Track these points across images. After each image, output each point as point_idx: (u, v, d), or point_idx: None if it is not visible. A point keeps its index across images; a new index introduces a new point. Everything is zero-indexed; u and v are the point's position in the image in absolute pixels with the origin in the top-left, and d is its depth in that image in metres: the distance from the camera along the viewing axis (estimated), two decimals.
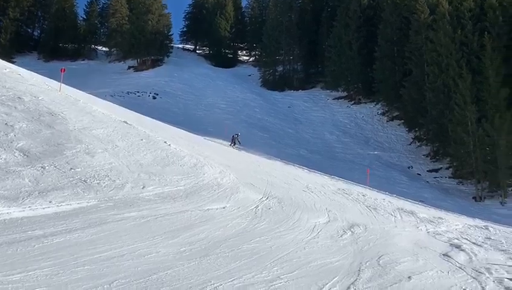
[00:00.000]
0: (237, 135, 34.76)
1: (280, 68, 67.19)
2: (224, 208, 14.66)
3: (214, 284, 8.25)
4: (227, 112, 52.56)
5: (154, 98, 55.46)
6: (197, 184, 16.80)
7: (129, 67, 67.62)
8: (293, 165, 31.56)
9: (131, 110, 32.48)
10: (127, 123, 20.87)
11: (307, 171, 30.36)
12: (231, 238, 11.62)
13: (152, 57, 68.36)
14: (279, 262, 10.30)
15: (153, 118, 33.37)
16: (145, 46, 66.46)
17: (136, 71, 66.28)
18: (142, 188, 13.57)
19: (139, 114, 31.43)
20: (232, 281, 8.55)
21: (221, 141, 36.27)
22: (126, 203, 12.03)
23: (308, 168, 31.60)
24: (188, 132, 34.78)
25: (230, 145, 33.05)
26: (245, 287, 8.30)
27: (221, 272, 9.02)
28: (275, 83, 65.36)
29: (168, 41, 71.80)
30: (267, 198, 17.40)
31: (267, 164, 29.75)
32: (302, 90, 63.33)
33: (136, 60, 68.18)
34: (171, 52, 70.90)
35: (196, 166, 19.32)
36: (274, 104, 58.31)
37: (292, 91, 63.18)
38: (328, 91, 60.08)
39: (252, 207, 15.53)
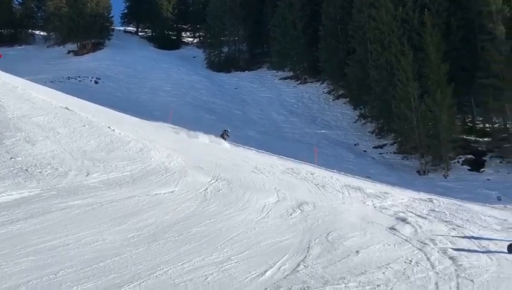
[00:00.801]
0: (226, 131, 32.22)
1: (225, 49, 66.59)
2: (172, 192, 14.49)
3: (163, 269, 8.14)
4: (172, 95, 51.85)
5: (96, 82, 54.00)
6: (143, 169, 16.52)
7: (69, 52, 65.41)
8: (242, 147, 31.54)
9: (73, 95, 31.51)
10: (69, 109, 20.24)
11: (255, 152, 30.42)
12: (180, 222, 11.49)
13: (92, 41, 66.33)
14: (230, 243, 10.27)
15: (95, 103, 32.53)
16: (85, 30, 64.36)
17: (77, 55, 64.21)
18: (86, 175, 13.24)
19: (80, 99, 30.57)
20: (181, 264, 8.45)
21: (167, 124, 35.79)
22: (70, 191, 11.71)
23: (256, 149, 31.68)
24: (133, 116, 34.13)
25: (223, 138, 30.74)
26: (195, 270, 8.22)
27: (171, 257, 8.90)
28: (220, 64, 64.79)
29: (108, 24, 69.77)
30: (216, 180, 17.32)
31: (215, 146, 29.60)
32: (249, 71, 63.10)
33: (76, 44, 66.02)
34: (112, 35, 68.94)
35: (142, 151, 18.98)
36: (220, 86, 57.97)
37: (238, 72, 62.86)
38: (274, 71, 60.12)
39: (201, 190, 15.42)
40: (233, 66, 64.21)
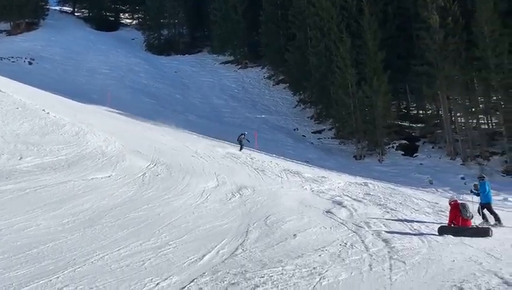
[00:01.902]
0: (244, 135, 28.37)
1: (165, 32, 65.36)
2: (109, 176, 14.26)
3: (99, 254, 8.01)
4: (110, 78, 50.55)
5: (30, 63, 51.79)
6: (79, 153, 16.15)
7: (1, 31, 62.41)
8: (182, 131, 31.29)
9: (6, 77, 30.23)
10: (1, 91, 19.46)
11: (195, 137, 30.27)
12: (117, 207, 11.33)
13: (27, 20, 63.47)
14: (168, 228, 10.22)
15: (29, 85, 31.36)
16: (18, 8, 61.48)
17: (10, 35, 61.30)
18: (20, 159, 12.81)
19: (14, 81, 29.39)
20: (118, 250, 8.34)
21: (105, 108, 34.99)
22: (2, 175, 11.32)
23: (197, 133, 31.51)
24: (69, 99, 33.15)
25: (241, 149, 26.83)
26: (132, 256, 8.13)
27: (107, 242, 8.77)
28: (160, 47, 63.59)
29: (43, 3, 66.96)
30: (155, 165, 17.16)
31: (155, 130, 29.24)
32: (189, 54, 62.30)
33: (9, 24, 62.99)
34: (47, 15, 66.16)
35: (78, 134, 18.54)
36: (160, 69, 57.03)
37: (178, 55, 61.91)
38: (215, 55, 59.66)
39: (139, 175, 15.24)
40: (173, 49, 63.21)
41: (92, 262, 7.60)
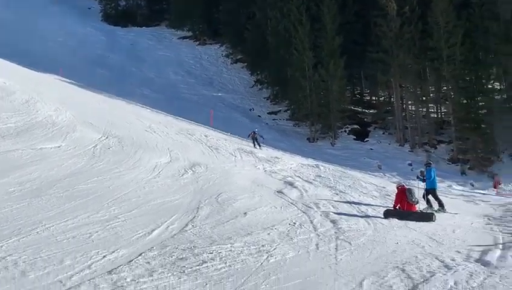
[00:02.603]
0: (255, 132, 26.24)
1: (123, 2, 64.01)
2: (59, 147, 13.96)
3: (45, 225, 7.86)
4: (64, 46, 49.18)
5: None
6: (29, 122, 15.75)
7: None
8: (136, 105, 30.86)
9: None
10: None
11: (150, 111, 29.92)
12: (66, 178, 11.12)
13: None
14: (118, 202, 10.11)
15: None
16: None
17: None
18: None
19: None
20: (65, 221, 8.21)
21: (58, 77, 34.07)
22: None
23: (151, 108, 31.13)
24: (21, 66, 32.09)
25: (255, 146, 24.94)
26: (79, 227, 8.02)
27: (54, 213, 8.62)
28: (117, 18, 62.20)
29: None
30: (107, 137, 16.89)
31: (109, 102, 28.72)
32: (146, 27, 61.24)
33: None
34: None
35: (28, 102, 18.06)
36: (116, 41, 55.84)
37: (135, 28, 60.79)
38: (173, 30, 58.89)
39: (90, 146, 14.97)
40: (130, 21, 61.91)
41: (37, 232, 7.46)
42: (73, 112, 18.97)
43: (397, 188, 13.69)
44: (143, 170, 13.74)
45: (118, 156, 14.65)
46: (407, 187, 13.63)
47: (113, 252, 7.13)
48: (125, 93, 32.49)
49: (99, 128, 17.83)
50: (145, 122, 23.48)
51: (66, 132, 15.70)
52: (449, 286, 6.97)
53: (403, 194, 13.12)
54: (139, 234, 8.23)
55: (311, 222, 10.77)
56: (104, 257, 6.89)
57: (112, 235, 7.97)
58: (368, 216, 12.20)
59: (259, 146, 25.17)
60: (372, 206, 13.78)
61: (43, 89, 22.72)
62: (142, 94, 37.92)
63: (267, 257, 7.88)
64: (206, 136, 23.77)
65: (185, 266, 6.95)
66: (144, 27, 61.22)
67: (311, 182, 16.83)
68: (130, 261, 6.88)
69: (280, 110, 40.88)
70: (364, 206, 13.55)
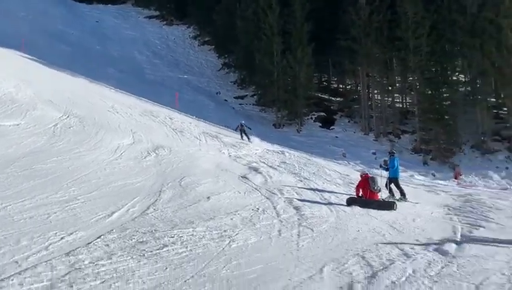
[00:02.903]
0: (242, 124, 25.03)
1: None
2: (18, 125, 13.57)
3: (2, 204, 7.62)
4: (26, 21, 47.60)
5: None
6: None
7: None
8: (99, 84, 30.17)
9: None
10: None
11: (113, 91, 29.31)
12: (25, 157, 10.80)
13: None
14: (77, 183, 9.87)
15: None
16: None
17: None
18: None
19: None
20: (22, 201, 7.96)
21: (18, 52, 32.99)
22: None
23: (115, 88, 30.50)
24: None
25: (243, 139, 23.66)
26: (37, 208, 7.79)
27: (11, 193, 8.36)
28: None
29: None
30: (68, 116, 16.49)
31: (70, 80, 28.01)
32: (112, 4, 59.93)
33: None
34: None
35: None
36: (80, 17, 54.45)
37: (101, 5, 59.45)
38: (139, 8, 57.91)
39: (51, 125, 14.60)
40: None
41: None
42: (34, 89, 18.45)
43: (361, 176, 13.80)
44: (104, 151, 13.47)
45: (78, 136, 14.33)
46: (370, 175, 13.75)
47: (71, 233, 6.96)
48: (89, 72, 31.72)
49: (60, 107, 17.39)
50: (108, 102, 23.00)
51: (26, 110, 15.26)
52: (407, 274, 7.06)
53: (366, 182, 13.24)
54: (99, 216, 8.05)
55: (275, 208, 10.76)
56: (62, 238, 6.71)
57: (71, 216, 7.78)
58: (330, 203, 12.27)
59: (248, 138, 23.86)
60: (336, 194, 13.88)
61: (3, 64, 22.00)
62: (106, 73, 37.07)
63: (229, 242, 7.83)
64: (170, 118, 23.47)
65: (145, 250, 6.83)
66: (109, 4, 59.95)
67: (275, 168, 16.84)
68: (89, 243, 6.73)
69: (247, 95, 40.67)
70: (327, 194, 13.64)
